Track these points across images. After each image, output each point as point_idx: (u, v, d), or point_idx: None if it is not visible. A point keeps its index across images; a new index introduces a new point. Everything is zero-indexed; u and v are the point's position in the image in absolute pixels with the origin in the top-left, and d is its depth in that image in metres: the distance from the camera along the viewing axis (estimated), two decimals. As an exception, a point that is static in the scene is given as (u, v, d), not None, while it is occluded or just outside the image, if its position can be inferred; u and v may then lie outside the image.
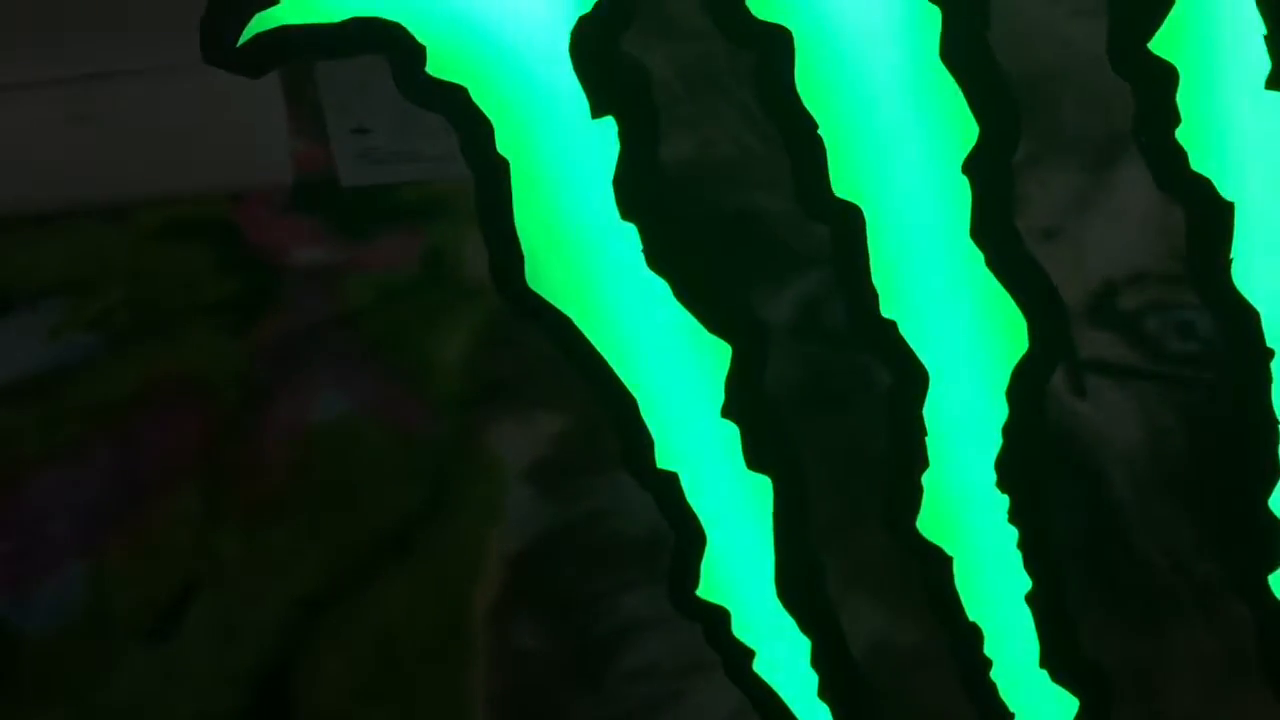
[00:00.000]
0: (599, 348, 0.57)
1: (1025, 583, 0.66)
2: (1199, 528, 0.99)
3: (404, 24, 0.51)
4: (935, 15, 0.53)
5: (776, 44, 0.54)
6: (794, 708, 0.69)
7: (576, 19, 0.51)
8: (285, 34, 0.50)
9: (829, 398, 1.01)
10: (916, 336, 0.59)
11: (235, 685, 0.92)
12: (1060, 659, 0.69)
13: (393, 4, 0.51)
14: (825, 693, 0.68)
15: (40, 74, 1.08)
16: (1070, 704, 0.71)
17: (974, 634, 0.68)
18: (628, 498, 0.99)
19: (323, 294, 1.07)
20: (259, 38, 0.50)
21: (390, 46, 0.51)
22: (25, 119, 1.08)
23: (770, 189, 1.02)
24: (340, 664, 0.93)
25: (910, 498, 0.63)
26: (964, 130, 0.55)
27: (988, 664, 0.69)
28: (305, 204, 1.14)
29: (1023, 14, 1.22)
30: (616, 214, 0.54)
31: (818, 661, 0.67)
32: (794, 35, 0.54)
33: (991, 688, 0.70)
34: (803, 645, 0.67)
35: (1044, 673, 0.70)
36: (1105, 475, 1.01)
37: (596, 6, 0.51)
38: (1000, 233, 0.57)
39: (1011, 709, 0.71)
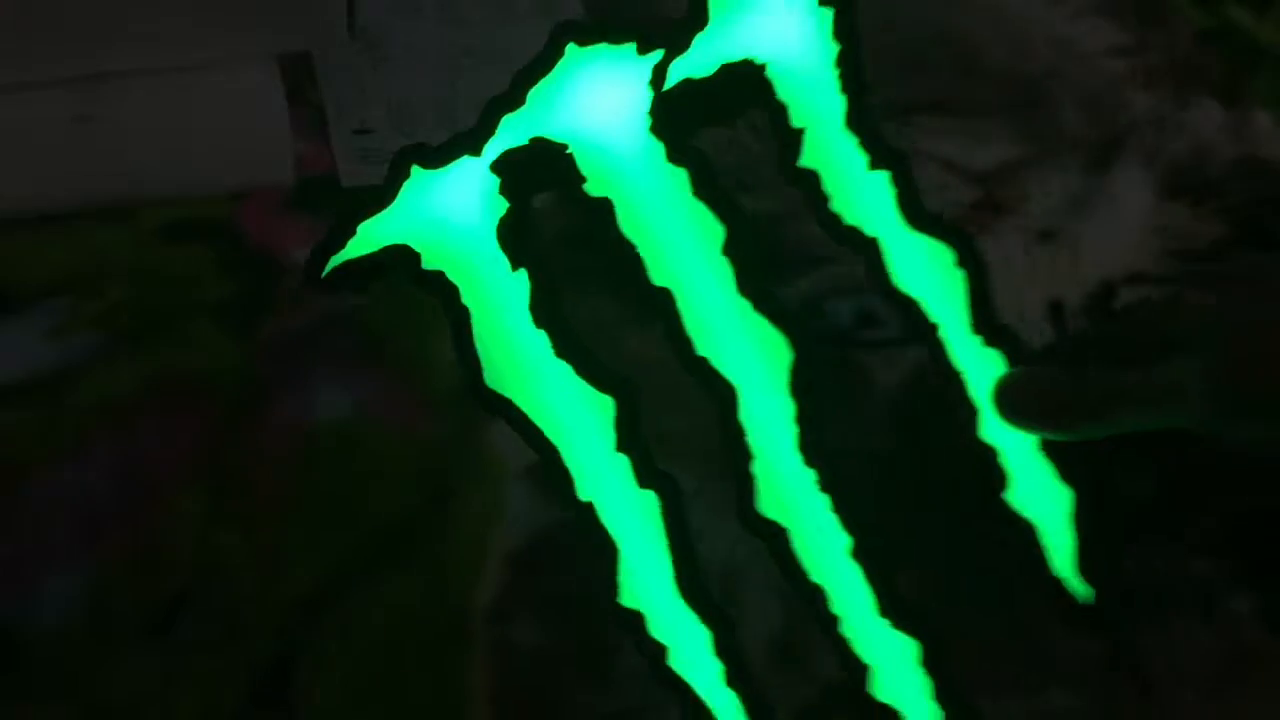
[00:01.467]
0: (531, 415, 0.79)
1: (846, 540, 0.81)
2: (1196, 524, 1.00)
3: (410, 243, 0.79)
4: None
5: None
6: (705, 697, 0.80)
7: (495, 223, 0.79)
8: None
9: (828, 398, 1.01)
10: (722, 363, 0.80)
11: (235, 685, 0.92)
12: (890, 606, 0.80)
13: (403, 229, 0.79)
14: (731, 681, 0.80)
15: (42, 74, 1.08)
16: (913, 648, 0.81)
17: (819, 593, 0.80)
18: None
19: (323, 294, 1.07)
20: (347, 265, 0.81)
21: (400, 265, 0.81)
22: (27, 119, 1.09)
23: (767, 191, 1.02)
24: (340, 664, 0.94)
25: (747, 485, 0.80)
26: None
27: (835, 620, 0.80)
28: (305, 204, 1.14)
29: (1023, 14, 1.23)
30: (532, 326, 0.79)
31: (719, 652, 0.80)
32: None
33: (845, 642, 0.80)
34: (705, 637, 0.80)
35: (885, 621, 0.80)
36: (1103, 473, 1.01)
37: (501, 220, 0.79)
38: (753, 284, 0.81)
39: (866, 660, 0.80)
